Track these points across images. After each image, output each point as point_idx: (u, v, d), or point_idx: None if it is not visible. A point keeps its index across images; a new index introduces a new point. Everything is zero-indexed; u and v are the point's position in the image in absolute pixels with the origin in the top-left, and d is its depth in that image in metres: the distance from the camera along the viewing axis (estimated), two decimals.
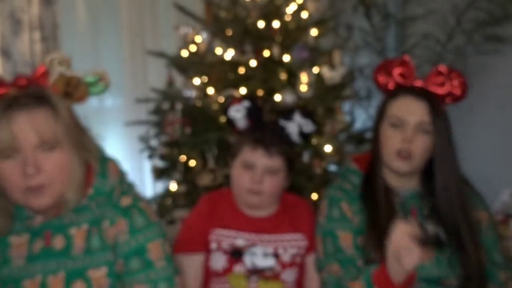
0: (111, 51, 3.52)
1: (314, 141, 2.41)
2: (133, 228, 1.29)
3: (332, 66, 2.53)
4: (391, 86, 1.55)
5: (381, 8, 3.84)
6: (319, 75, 2.48)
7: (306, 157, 2.39)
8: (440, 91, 1.51)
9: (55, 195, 1.22)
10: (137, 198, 1.35)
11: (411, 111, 1.46)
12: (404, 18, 3.83)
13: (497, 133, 3.56)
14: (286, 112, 1.69)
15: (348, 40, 3.85)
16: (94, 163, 1.31)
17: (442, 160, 1.50)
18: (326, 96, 2.44)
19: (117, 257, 1.28)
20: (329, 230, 1.54)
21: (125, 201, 1.32)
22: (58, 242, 1.27)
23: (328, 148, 2.41)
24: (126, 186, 1.37)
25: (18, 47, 3.15)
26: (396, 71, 1.53)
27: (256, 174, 1.62)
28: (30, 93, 1.21)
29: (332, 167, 2.61)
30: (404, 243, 1.27)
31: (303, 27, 2.51)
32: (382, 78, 1.56)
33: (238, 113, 1.66)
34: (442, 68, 1.52)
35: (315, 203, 2.42)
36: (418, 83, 1.52)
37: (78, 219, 1.28)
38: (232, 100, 1.70)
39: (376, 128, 1.54)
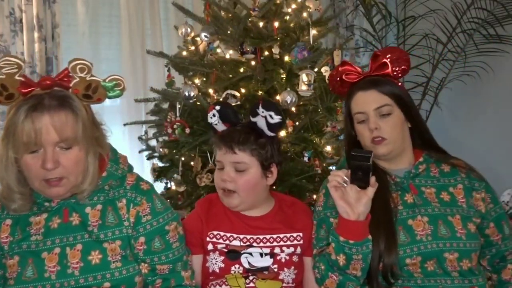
0: (111, 51, 3.52)
1: (314, 140, 2.40)
2: (155, 210, 1.47)
3: (332, 66, 2.52)
4: (344, 88, 1.68)
5: (381, 8, 3.84)
6: (319, 75, 2.48)
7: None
8: (385, 71, 1.61)
9: (69, 186, 1.38)
10: (152, 185, 1.53)
11: (364, 103, 1.59)
12: (404, 18, 3.83)
13: (496, 134, 3.56)
14: (252, 107, 1.71)
15: (348, 40, 3.85)
16: (107, 152, 1.47)
17: (417, 128, 1.64)
18: (326, 96, 2.44)
19: (138, 234, 1.44)
20: (324, 217, 1.64)
21: (145, 186, 1.50)
22: (75, 219, 1.42)
23: (328, 148, 2.41)
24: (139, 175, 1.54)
25: (18, 47, 3.15)
26: (340, 74, 1.67)
27: (224, 172, 1.65)
28: (54, 95, 1.34)
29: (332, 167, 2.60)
30: (338, 177, 1.45)
31: (303, 27, 2.50)
32: (337, 86, 1.70)
33: (213, 118, 1.72)
34: (378, 51, 1.65)
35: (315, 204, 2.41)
36: (363, 75, 1.64)
37: (92, 200, 1.44)
38: (209, 107, 1.74)
39: (353, 129, 1.66)
